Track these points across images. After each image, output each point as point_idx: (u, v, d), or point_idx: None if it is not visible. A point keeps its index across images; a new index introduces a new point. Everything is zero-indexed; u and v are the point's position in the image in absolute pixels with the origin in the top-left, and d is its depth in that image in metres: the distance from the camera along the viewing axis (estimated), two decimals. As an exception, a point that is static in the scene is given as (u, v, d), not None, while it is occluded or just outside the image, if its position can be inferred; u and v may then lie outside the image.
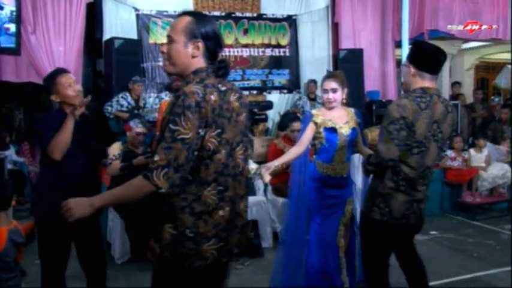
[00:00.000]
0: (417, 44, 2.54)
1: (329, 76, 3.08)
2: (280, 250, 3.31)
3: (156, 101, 6.59)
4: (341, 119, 3.04)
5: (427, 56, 2.36)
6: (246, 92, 8.02)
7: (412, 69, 2.35)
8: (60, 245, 2.62)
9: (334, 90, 3.01)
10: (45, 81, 2.62)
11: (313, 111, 3.13)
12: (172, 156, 1.56)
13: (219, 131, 1.65)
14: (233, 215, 1.75)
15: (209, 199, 1.68)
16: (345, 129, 3.01)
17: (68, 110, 2.49)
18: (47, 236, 2.63)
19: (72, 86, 2.54)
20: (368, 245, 2.55)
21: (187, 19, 1.74)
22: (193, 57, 1.72)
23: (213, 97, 1.63)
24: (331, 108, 3.05)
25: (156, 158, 1.57)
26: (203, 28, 1.72)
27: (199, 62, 1.73)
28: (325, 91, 3.02)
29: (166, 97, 6.50)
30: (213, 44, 1.74)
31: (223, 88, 1.72)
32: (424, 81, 2.34)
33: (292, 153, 3.06)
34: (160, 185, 1.55)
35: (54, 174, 2.54)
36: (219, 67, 1.76)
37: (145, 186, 1.58)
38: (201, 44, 1.71)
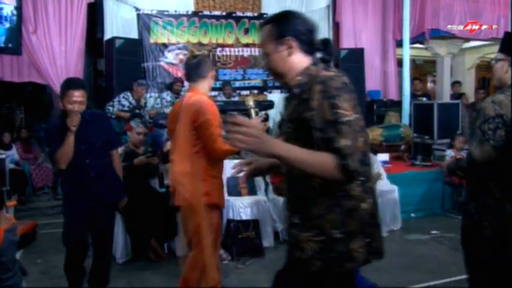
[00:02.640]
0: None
1: None
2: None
3: (157, 101, 6.60)
4: None
5: None
6: (246, 92, 8.02)
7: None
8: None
9: None
10: (61, 85, 2.88)
11: None
12: (359, 143, 1.44)
13: (359, 115, 1.48)
14: (376, 208, 1.60)
15: (355, 191, 1.52)
16: None
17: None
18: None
19: (79, 104, 2.72)
20: (480, 267, 2.15)
21: (267, 27, 1.63)
22: (289, 55, 1.60)
23: (346, 78, 1.51)
24: None
25: (345, 142, 1.42)
26: (288, 26, 1.60)
27: (300, 59, 1.60)
28: None
29: (168, 96, 6.52)
30: (306, 36, 1.62)
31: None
32: None
33: None
34: (354, 167, 1.41)
35: (67, 175, 2.88)
36: (323, 49, 1.65)
37: (332, 167, 1.42)
38: (292, 42, 1.58)
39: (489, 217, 2.03)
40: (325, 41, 1.68)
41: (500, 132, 1.95)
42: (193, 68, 2.72)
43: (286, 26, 1.60)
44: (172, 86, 6.65)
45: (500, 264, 2.07)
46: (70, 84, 2.79)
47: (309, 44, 1.62)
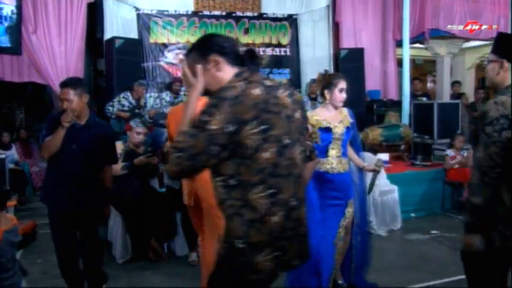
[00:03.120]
0: (506, 37, 2.23)
1: (341, 76, 3.15)
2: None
3: (157, 101, 6.59)
4: (335, 118, 3.08)
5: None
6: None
7: (506, 64, 2.04)
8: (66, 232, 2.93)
9: (346, 91, 3.08)
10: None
11: (308, 114, 3.14)
12: (191, 143, 1.44)
13: (264, 127, 1.49)
14: (291, 221, 1.57)
15: (258, 203, 1.50)
16: (339, 128, 3.05)
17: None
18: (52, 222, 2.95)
19: (66, 102, 2.78)
20: (483, 276, 2.07)
21: (192, 55, 1.68)
22: (218, 71, 1.62)
23: (257, 91, 1.52)
24: (337, 108, 3.09)
25: (177, 138, 1.47)
26: (209, 45, 1.65)
27: (229, 72, 1.62)
28: (342, 90, 3.06)
29: (167, 97, 6.52)
30: (229, 49, 1.64)
31: (270, 83, 1.61)
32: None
33: None
34: (168, 167, 1.47)
35: (53, 170, 2.91)
36: (248, 57, 1.67)
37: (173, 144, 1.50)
38: (217, 57, 1.62)
39: (500, 227, 1.93)
40: (250, 51, 1.70)
41: (506, 134, 1.87)
42: None
43: (209, 45, 1.65)
44: (171, 86, 6.65)
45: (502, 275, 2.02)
46: (62, 83, 2.90)
47: (235, 56, 1.65)
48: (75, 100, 2.77)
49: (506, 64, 2.04)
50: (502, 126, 1.88)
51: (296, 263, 1.62)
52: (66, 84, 2.85)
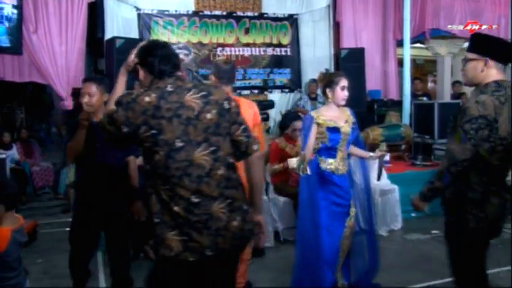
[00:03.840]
0: (484, 36, 2.31)
1: (343, 74, 3.15)
2: (297, 249, 3.26)
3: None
4: (340, 118, 3.08)
5: (501, 46, 2.21)
6: (247, 92, 8.02)
7: (491, 62, 2.15)
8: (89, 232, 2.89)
9: (348, 89, 3.07)
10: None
11: (312, 113, 3.14)
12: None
13: (153, 132, 1.66)
14: (195, 216, 1.71)
15: (162, 192, 1.72)
16: (345, 128, 3.05)
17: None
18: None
19: (87, 96, 2.76)
20: (464, 257, 2.32)
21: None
22: (140, 77, 1.90)
23: (147, 98, 1.68)
24: (339, 106, 3.09)
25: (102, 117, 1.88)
26: (139, 54, 1.93)
27: (147, 80, 1.87)
28: (344, 88, 3.06)
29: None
30: (146, 64, 1.86)
31: (171, 89, 1.74)
32: (498, 74, 2.17)
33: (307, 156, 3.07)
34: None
35: (82, 170, 2.92)
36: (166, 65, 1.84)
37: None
38: (139, 67, 1.89)
39: (474, 211, 2.15)
40: (166, 59, 1.86)
41: (482, 133, 2.03)
42: (230, 72, 3.04)
43: (138, 54, 1.95)
44: None
45: (481, 255, 2.26)
46: (84, 78, 2.99)
47: (151, 67, 1.86)
48: (96, 95, 2.76)
49: (491, 62, 2.15)
50: (479, 126, 2.03)
51: (210, 253, 1.74)
52: (91, 79, 2.88)
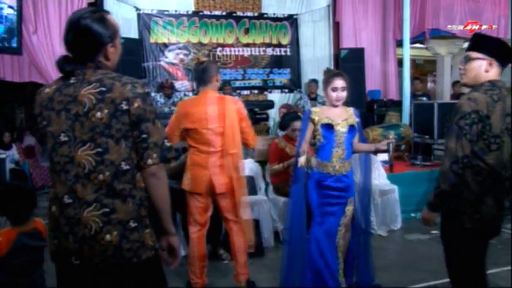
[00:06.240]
0: (488, 36, 2.32)
1: (337, 74, 3.08)
2: (284, 250, 3.29)
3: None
4: (339, 116, 3.04)
5: (503, 48, 2.23)
6: (247, 92, 8.03)
7: (495, 63, 2.17)
8: None
9: (343, 89, 3.02)
10: None
11: (312, 109, 3.13)
12: None
13: (44, 123, 1.64)
14: (65, 218, 1.59)
15: (52, 190, 1.70)
16: (341, 126, 3.00)
17: None
18: None
19: None
20: (461, 259, 2.27)
21: None
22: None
23: (47, 90, 1.67)
24: (335, 106, 3.06)
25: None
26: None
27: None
28: (335, 89, 3.01)
29: (161, 99, 6.56)
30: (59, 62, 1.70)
31: (74, 81, 1.63)
32: (497, 75, 2.19)
33: (304, 149, 3.08)
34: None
35: None
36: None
37: None
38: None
39: (469, 211, 2.16)
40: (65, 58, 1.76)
41: (475, 128, 2.07)
42: (202, 73, 3.08)
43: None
44: (163, 89, 6.72)
45: (479, 256, 2.24)
46: None
47: (61, 65, 1.71)
48: None
49: (495, 63, 2.18)
50: (473, 121, 2.07)
51: (76, 262, 1.59)
52: None
